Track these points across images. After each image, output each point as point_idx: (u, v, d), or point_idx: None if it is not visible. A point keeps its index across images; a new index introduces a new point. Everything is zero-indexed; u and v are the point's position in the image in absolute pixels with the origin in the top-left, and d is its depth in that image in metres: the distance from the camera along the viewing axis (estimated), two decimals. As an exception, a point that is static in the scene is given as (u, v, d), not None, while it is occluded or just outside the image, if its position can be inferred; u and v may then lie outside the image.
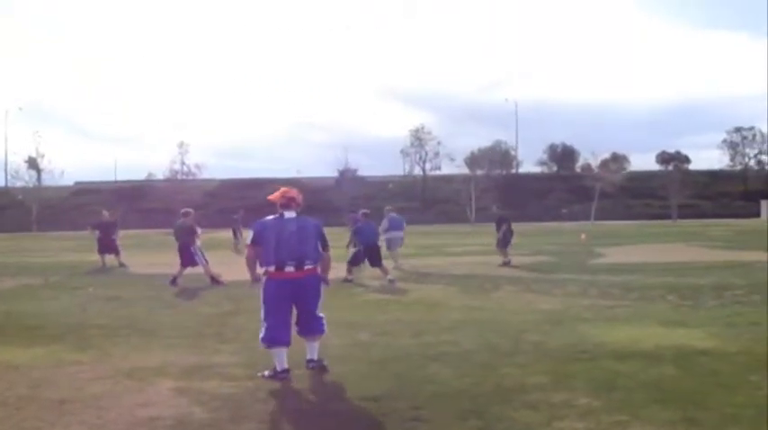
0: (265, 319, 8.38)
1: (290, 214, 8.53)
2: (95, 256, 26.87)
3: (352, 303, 14.53)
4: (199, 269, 19.40)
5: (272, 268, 8.33)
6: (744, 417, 6.33)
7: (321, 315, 8.62)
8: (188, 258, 19.48)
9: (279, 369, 8.17)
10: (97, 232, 27.40)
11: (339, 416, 6.63)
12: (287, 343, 8.29)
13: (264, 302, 8.41)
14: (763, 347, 9.27)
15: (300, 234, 8.42)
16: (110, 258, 26.42)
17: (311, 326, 8.52)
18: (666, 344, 9.54)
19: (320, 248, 8.58)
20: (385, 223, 23.96)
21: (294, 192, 8.71)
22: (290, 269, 8.28)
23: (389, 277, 18.20)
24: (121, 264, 25.86)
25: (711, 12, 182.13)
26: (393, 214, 24.76)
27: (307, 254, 8.39)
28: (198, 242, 19.86)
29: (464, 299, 15.28)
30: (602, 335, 10.35)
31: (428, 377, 8.05)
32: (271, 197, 8.67)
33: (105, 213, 29.19)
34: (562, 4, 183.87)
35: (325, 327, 8.69)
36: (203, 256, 19.67)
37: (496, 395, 7.19)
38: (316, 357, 8.57)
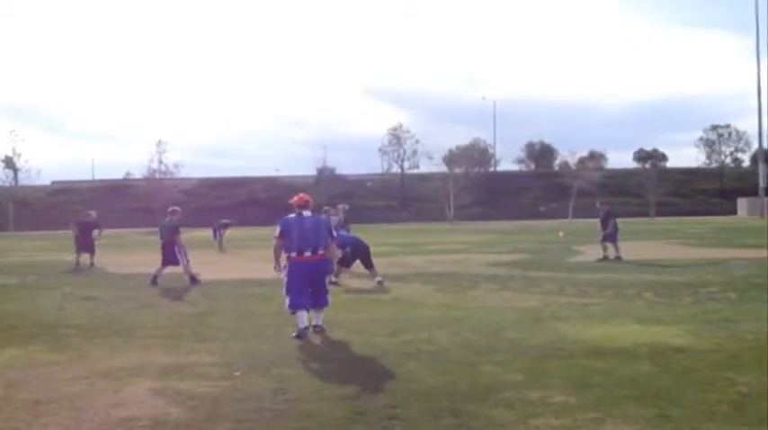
0: (288, 293, 10.93)
1: (306, 213, 11.11)
2: (72, 256, 26.77)
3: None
4: (178, 268, 19.31)
5: (293, 254, 10.88)
6: (718, 414, 6.38)
7: (328, 289, 11.42)
8: (169, 257, 19.39)
9: (301, 326, 10.70)
10: (76, 231, 27.42)
11: (315, 416, 6.61)
12: (306, 306, 10.86)
13: (288, 279, 10.95)
14: (738, 344, 9.36)
15: (316, 228, 11.05)
16: (84, 257, 26.40)
17: (321, 300, 11.08)
18: (642, 342, 9.59)
19: (329, 239, 11.29)
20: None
21: (308, 197, 11.31)
22: (307, 254, 10.87)
23: (378, 279, 17.99)
24: (92, 264, 25.95)
25: (690, 10, 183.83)
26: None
27: (320, 243, 10.99)
28: (181, 241, 19.73)
29: (441, 297, 15.30)
30: (578, 333, 10.41)
31: (405, 375, 8.07)
32: (292, 201, 11.21)
33: (92, 213, 29.12)
34: (540, 3, 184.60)
35: (329, 302, 11.35)
36: (185, 255, 19.56)
37: (473, 393, 7.21)
38: (320, 323, 11.03)
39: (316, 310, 11.06)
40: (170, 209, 20.80)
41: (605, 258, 24.15)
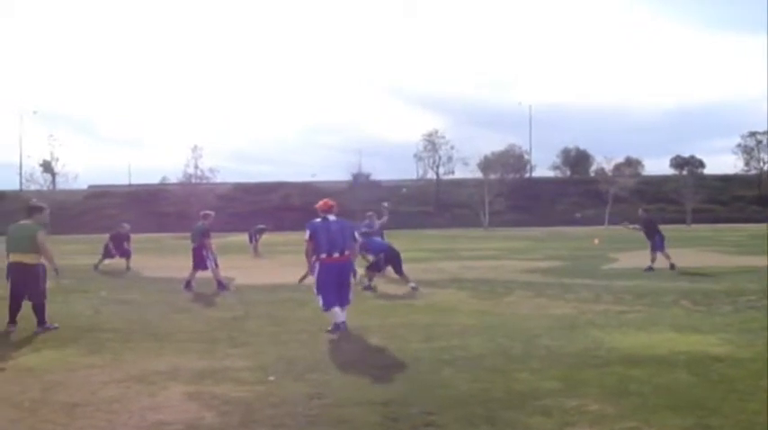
0: (319, 292, 11.70)
1: (332, 217, 11.85)
2: (108, 260, 27.19)
3: (362, 307, 14.48)
4: (209, 273, 19.32)
5: (323, 255, 11.62)
6: (757, 424, 6.30)
7: (351, 287, 12.40)
8: (200, 261, 19.42)
9: (337, 321, 11.51)
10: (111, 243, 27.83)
11: (350, 422, 6.61)
12: (339, 304, 11.61)
13: (319, 280, 11.70)
14: (777, 353, 9.23)
15: (342, 231, 11.84)
16: (111, 262, 27.08)
17: (344, 298, 11.81)
18: (679, 350, 9.49)
19: (353, 242, 12.23)
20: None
21: (333, 202, 12.03)
22: (336, 255, 11.64)
23: (411, 284, 17.89)
24: (128, 268, 26.48)
25: (728, 13, 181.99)
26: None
27: (346, 244, 11.83)
28: (210, 245, 19.74)
29: (476, 303, 15.24)
30: (614, 341, 10.32)
31: (439, 382, 8.04)
32: (317, 206, 12.09)
33: (126, 226, 29.38)
34: (576, 7, 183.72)
35: (351, 300, 12.17)
36: (214, 260, 19.56)
37: (508, 400, 7.17)
38: (344, 319, 11.60)
39: (342, 308, 11.73)
40: (202, 213, 20.78)
41: (672, 267, 23.18)
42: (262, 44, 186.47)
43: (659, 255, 23.63)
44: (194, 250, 19.67)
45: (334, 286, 11.65)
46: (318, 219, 11.83)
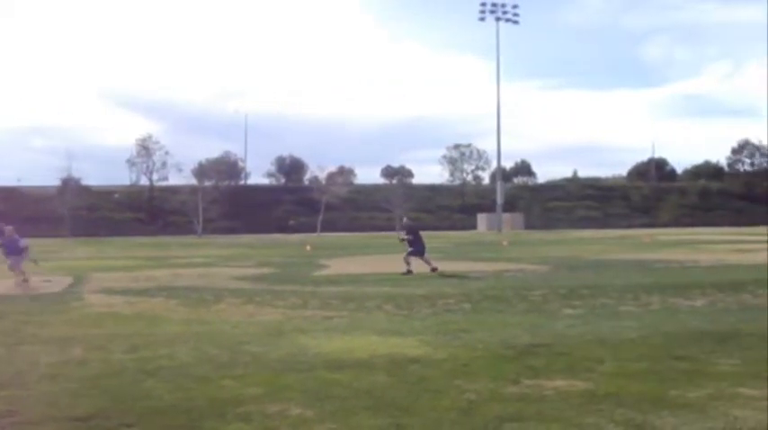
0: None
1: None
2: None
3: (67, 318, 13.98)
4: None
5: None
6: (447, 420, 6.64)
7: None
8: None
9: None
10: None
11: (44, 438, 6.35)
12: None
13: None
14: (469, 353, 9.81)
15: None
16: None
17: None
18: (380, 353, 9.86)
19: None
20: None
21: None
22: None
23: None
24: None
25: (440, 34, 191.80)
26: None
27: None
28: None
29: (184, 311, 15.08)
30: (319, 346, 10.55)
31: (142, 392, 7.87)
32: None
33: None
34: (276, 17, 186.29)
35: None
36: None
37: (211, 408, 7.13)
38: None
39: None
40: None
41: (434, 270, 24.19)
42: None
43: (414, 259, 24.59)
44: None
45: None
46: None
